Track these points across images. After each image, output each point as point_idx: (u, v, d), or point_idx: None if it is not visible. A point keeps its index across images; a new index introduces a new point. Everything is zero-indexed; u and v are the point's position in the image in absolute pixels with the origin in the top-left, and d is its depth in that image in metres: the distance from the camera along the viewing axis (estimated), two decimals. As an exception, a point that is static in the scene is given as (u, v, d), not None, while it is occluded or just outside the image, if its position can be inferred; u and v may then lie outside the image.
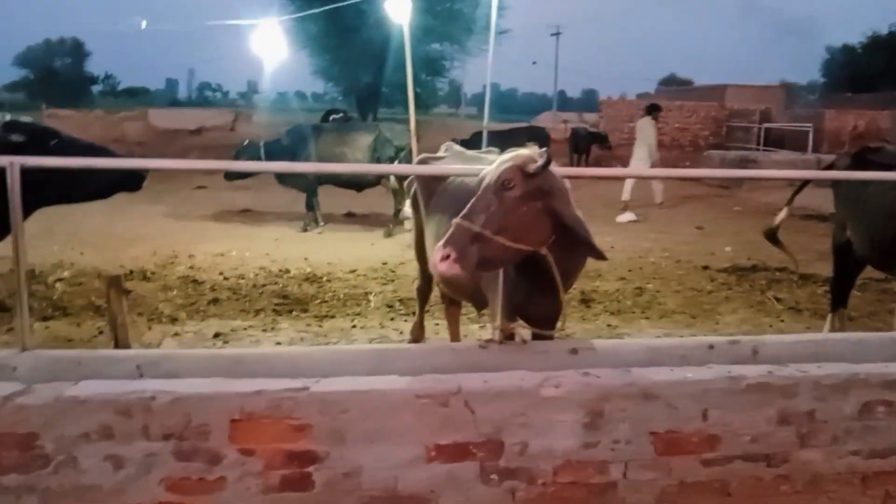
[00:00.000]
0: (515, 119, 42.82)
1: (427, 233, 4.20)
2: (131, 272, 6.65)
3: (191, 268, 7.11)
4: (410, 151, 8.40)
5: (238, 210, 11.25)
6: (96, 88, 76.47)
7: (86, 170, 3.42)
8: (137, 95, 72.00)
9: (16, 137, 3.56)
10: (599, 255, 2.78)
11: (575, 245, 2.78)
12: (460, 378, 2.49)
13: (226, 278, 6.59)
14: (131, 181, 3.95)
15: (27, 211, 3.64)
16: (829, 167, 5.96)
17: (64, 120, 19.41)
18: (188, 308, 5.74)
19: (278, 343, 5.04)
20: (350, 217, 11.00)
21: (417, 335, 5.02)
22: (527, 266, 2.87)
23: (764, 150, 19.42)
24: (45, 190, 3.32)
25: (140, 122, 19.93)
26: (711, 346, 3.31)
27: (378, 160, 8.71)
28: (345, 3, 11.90)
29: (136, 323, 5.46)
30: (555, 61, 58.29)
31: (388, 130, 8.99)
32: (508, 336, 3.22)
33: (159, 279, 6.52)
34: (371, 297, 6.14)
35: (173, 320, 5.52)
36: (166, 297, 5.97)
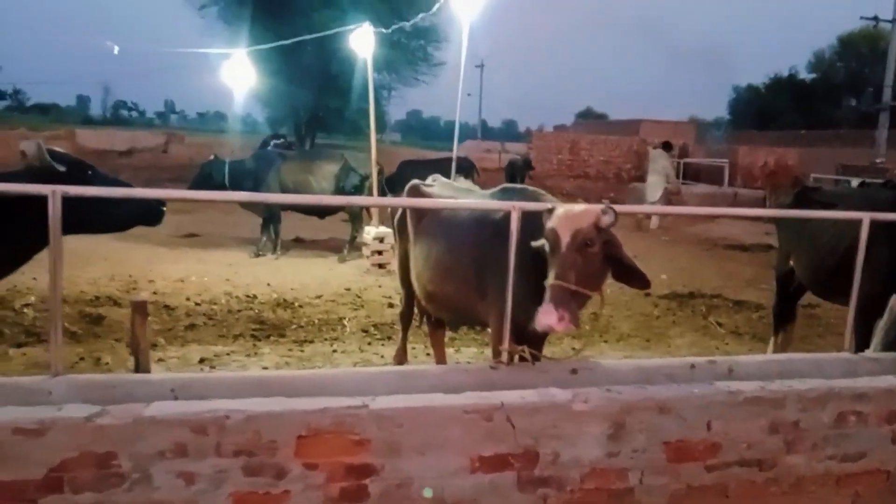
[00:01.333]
0: (440, 147, 43.44)
1: (415, 257, 4.43)
2: (97, 298, 6.59)
3: (155, 293, 7.08)
4: (369, 179, 8.65)
5: (184, 234, 11.13)
6: (2, 104, 73.04)
7: (113, 201, 3.52)
8: (48, 112, 68.97)
9: (58, 167, 3.63)
10: (647, 285, 3.24)
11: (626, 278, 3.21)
12: (502, 394, 2.75)
13: (197, 304, 6.61)
14: (153, 216, 4.02)
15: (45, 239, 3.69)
16: (780, 206, 6.52)
17: (-16, 137, 18.65)
18: (166, 334, 5.77)
19: (265, 368, 5.15)
20: (298, 242, 11.09)
21: (401, 359, 5.24)
22: (531, 294, 3.20)
23: (683, 182, 20.57)
24: (73, 219, 3.41)
25: (67, 142, 19.28)
26: (693, 366, 3.71)
27: (343, 189, 8.89)
28: (290, 40, 12.02)
29: (114, 348, 5.48)
30: (479, 92, 59.44)
31: (353, 159, 9.18)
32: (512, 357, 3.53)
33: (126, 305, 6.47)
34: (346, 323, 6.30)
35: (153, 346, 5.53)
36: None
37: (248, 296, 7.13)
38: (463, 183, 5.15)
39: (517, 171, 18.33)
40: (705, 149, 24.60)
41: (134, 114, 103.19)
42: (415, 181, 4.53)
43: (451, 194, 4.30)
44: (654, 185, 14.96)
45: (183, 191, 5.61)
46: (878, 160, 22.08)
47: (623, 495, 2.88)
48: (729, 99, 53.31)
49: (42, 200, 2.90)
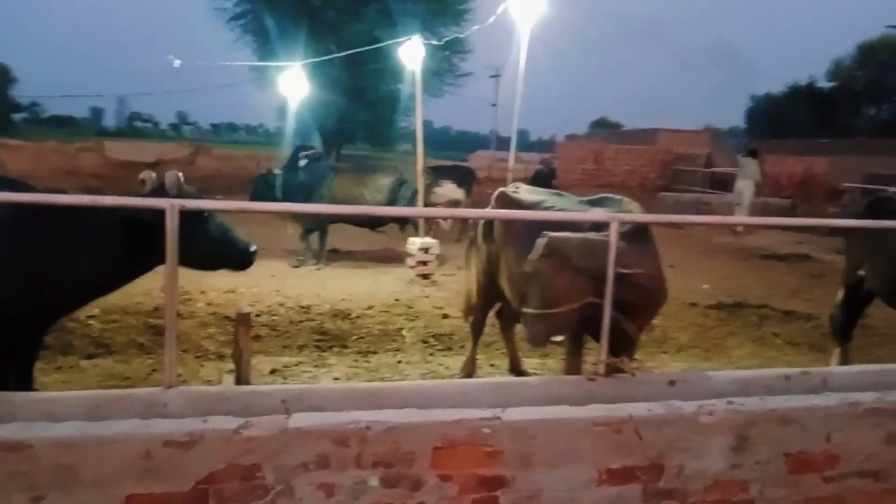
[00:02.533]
0: (452, 156, 43.40)
1: (507, 262, 4.40)
2: (156, 309, 6.64)
3: (209, 304, 7.13)
4: (416, 191, 8.71)
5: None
6: (19, 116, 73.73)
7: (211, 240, 3.54)
8: (65, 125, 69.69)
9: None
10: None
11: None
12: (629, 407, 2.76)
13: (257, 315, 6.65)
14: (244, 261, 3.92)
15: (149, 266, 3.70)
16: (850, 215, 6.48)
17: (16, 150, 18.83)
18: (232, 346, 5.80)
19: (336, 378, 5.18)
20: (334, 252, 11.13)
21: (470, 370, 5.25)
22: None
23: (709, 192, 20.52)
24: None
25: (95, 154, 19.49)
26: (787, 377, 3.70)
27: (395, 202, 8.94)
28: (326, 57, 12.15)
29: (183, 359, 5.51)
30: (494, 102, 59.45)
31: (405, 172, 9.23)
32: (614, 369, 3.53)
33: (189, 316, 6.53)
34: (405, 334, 6.33)
35: (220, 357, 5.59)
36: (207, 333, 6.01)
37: (302, 307, 7.16)
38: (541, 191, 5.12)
39: (544, 181, 18.30)
40: (731, 158, 24.52)
41: (149, 125, 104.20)
42: (501, 188, 4.56)
43: (538, 199, 4.33)
44: (742, 190, 16.08)
45: (301, 204, 5.67)
46: (903, 168, 21.95)
47: (744, 507, 2.88)
48: (746, 107, 53.12)
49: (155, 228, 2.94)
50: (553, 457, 2.65)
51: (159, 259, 3.04)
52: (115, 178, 18.18)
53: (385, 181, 9.11)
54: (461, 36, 8.32)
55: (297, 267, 9.73)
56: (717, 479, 2.82)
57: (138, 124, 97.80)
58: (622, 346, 3.66)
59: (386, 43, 10.06)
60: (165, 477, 2.35)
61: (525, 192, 4.52)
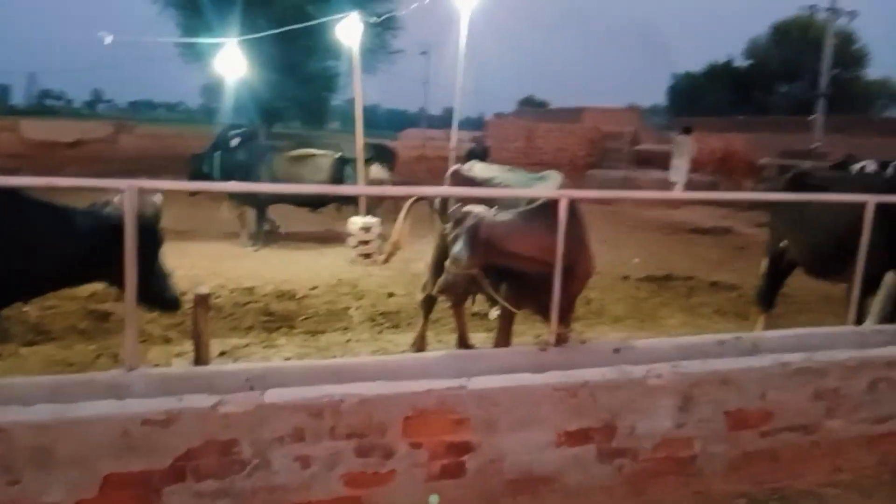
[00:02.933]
0: (381, 134, 43.12)
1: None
2: (93, 294, 6.49)
3: (149, 287, 7.00)
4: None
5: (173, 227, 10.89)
6: None
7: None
8: (-34, 102, 65.69)
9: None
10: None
11: None
12: (584, 373, 2.94)
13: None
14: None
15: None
16: (773, 190, 6.86)
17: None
18: (176, 328, 5.75)
19: (287, 358, 5.21)
20: (270, 234, 11.01)
21: (420, 346, 5.37)
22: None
23: (637, 169, 21.14)
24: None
25: (10, 133, 18.50)
26: (722, 343, 3.98)
27: (340, 181, 8.90)
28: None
29: (129, 344, 5.44)
30: (425, 80, 59.27)
31: (347, 150, 9.18)
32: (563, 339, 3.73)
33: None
34: (353, 313, 6.39)
35: (167, 340, 5.54)
36: (150, 318, 5.92)
37: (245, 288, 7.12)
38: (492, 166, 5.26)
39: (477, 159, 18.50)
40: (655, 136, 25.29)
41: (62, 103, 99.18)
42: (456, 166, 4.68)
43: (493, 176, 4.47)
44: (679, 167, 17.00)
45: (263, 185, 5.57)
46: (813, 145, 23.17)
47: (688, 463, 3.12)
48: (667, 86, 54.56)
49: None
50: (515, 422, 2.80)
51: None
52: (33, 158, 17.38)
53: (326, 160, 9.07)
54: (398, 14, 8.32)
55: (253, 248, 9.55)
56: (664, 438, 3.04)
57: (50, 102, 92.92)
58: (563, 314, 3.89)
59: (323, 20, 9.94)
60: (143, 455, 2.39)
61: (479, 170, 4.65)
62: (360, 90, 8.69)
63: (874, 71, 44.82)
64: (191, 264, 8.28)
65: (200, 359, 3.61)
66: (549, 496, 2.88)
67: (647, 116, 57.35)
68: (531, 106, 58.97)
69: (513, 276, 3.96)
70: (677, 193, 13.17)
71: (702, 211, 15.86)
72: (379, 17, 10.63)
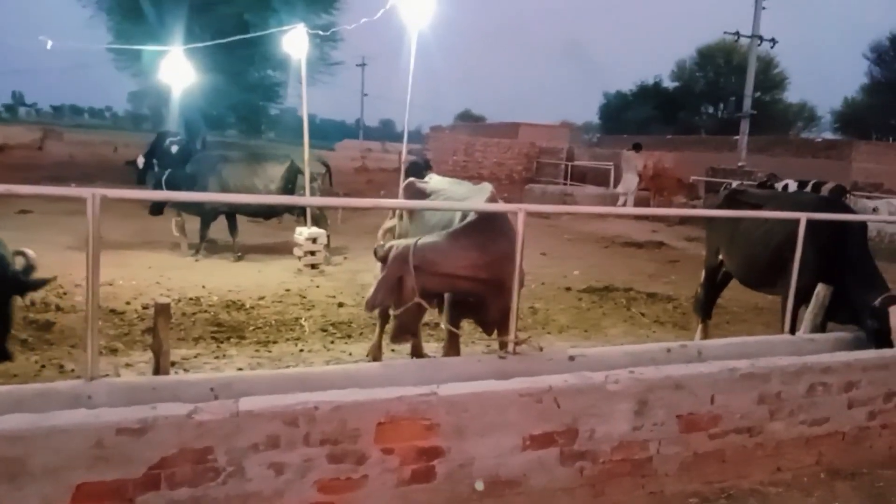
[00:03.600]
0: (318, 145, 42.78)
1: None
2: (33, 303, 6.28)
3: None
4: (317, 180, 8.68)
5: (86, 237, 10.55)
6: None
7: None
8: None
9: None
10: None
11: None
12: (548, 379, 3.05)
13: (145, 307, 6.44)
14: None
15: None
16: (710, 206, 7.14)
17: None
18: (123, 339, 5.63)
19: (240, 369, 5.16)
20: (210, 243, 10.82)
21: (376, 354, 5.42)
22: None
23: (571, 184, 21.68)
24: None
25: (-72, 138, 17.61)
26: (669, 350, 4.19)
27: (291, 191, 8.84)
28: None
29: (72, 355, 5.29)
30: (361, 91, 59.18)
31: (299, 159, 9.10)
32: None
33: (70, 311, 6.23)
34: (304, 323, 6.37)
35: (113, 351, 5.41)
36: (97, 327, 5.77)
37: (191, 298, 7.01)
38: (437, 180, 5.40)
39: (419, 172, 18.65)
40: (589, 152, 25.97)
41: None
42: (411, 178, 4.78)
43: (440, 188, 4.63)
44: (629, 180, 18.09)
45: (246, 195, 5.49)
46: (739, 164, 24.20)
47: (644, 464, 3.26)
48: (599, 104, 56.10)
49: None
50: (483, 427, 2.89)
51: None
52: (-48, 163, 16.60)
53: (278, 170, 8.99)
54: (346, 27, 8.31)
55: (195, 258, 9.33)
56: (621, 440, 3.17)
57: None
58: (502, 326, 4.06)
59: (270, 31, 9.88)
60: (117, 464, 2.37)
61: (434, 182, 4.77)
62: (305, 101, 8.69)
63: (792, 95, 47.24)
64: (132, 275, 8.11)
65: (161, 368, 3.56)
66: (514, 499, 2.97)
67: (579, 133, 58.91)
68: (468, 120, 59.71)
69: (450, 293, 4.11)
70: (627, 209, 13.67)
71: (635, 225, 16.37)
72: (325, 30, 10.60)
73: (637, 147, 18.44)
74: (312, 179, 8.88)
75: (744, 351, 4.26)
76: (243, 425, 2.51)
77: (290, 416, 2.57)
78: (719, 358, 3.91)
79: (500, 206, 4.04)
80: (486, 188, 4.37)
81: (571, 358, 3.87)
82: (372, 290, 3.77)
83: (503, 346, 4.24)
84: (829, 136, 43.90)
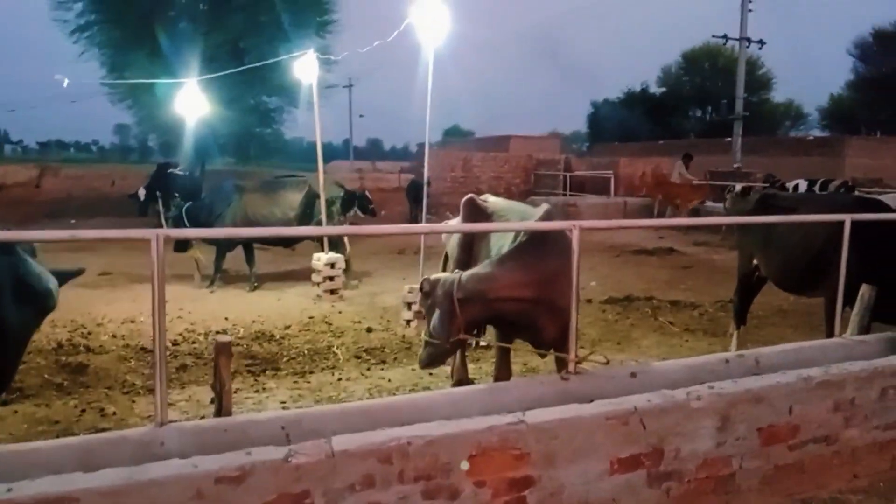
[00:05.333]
0: (308, 167, 42.63)
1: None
2: (60, 346, 6.19)
3: (114, 336, 6.72)
4: (335, 204, 8.63)
5: (99, 273, 10.44)
6: None
7: None
8: None
9: None
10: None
11: None
12: (631, 399, 2.99)
13: (175, 344, 6.35)
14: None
15: None
16: (742, 212, 7.11)
17: None
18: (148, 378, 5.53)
19: (283, 403, 5.08)
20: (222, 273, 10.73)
21: (462, 375, 5.32)
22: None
23: (571, 195, 21.69)
24: None
25: (-78, 180, 17.42)
26: (727, 361, 4.13)
27: (310, 216, 8.78)
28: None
29: (110, 397, 5.20)
30: (349, 112, 59.29)
31: (316, 184, 9.04)
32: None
33: (100, 351, 6.13)
34: (336, 351, 6.29)
35: (150, 390, 5.30)
36: (128, 367, 5.68)
37: (219, 332, 6.91)
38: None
39: (419, 191, 18.61)
40: (586, 162, 26.03)
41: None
42: (470, 195, 4.74)
43: (499, 208, 4.61)
44: None
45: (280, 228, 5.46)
46: (735, 165, 24.32)
47: (727, 480, 3.20)
48: (587, 113, 56.35)
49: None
50: (572, 453, 2.82)
51: None
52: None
53: (296, 197, 8.94)
54: (360, 51, 8.26)
55: (211, 290, 9.22)
56: (706, 458, 3.11)
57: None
58: (557, 344, 4.01)
59: (282, 58, 9.86)
60: (216, 515, 2.29)
61: (492, 202, 4.75)
62: (319, 126, 8.65)
63: (778, 94, 47.61)
64: (149, 310, 7.99)
65: (223, 409, 3.47)
66: (605, 524, 2.90)
67: (569, 142, 59.17)
68: (458, 135, 59.88)
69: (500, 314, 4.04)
70: (678, 220, 13.35)
71: (640, 232, 16.35)
72: (331, 55, 10.60)
73: (686, 157, 18.18)
74: (331, 203, 8.83)
75: (799, 357, 4.22)
76: (339, 466, 2.44)
77: (384, 454, 2.50)
78: (777, 366, 3.87)
79: (553, 224, 4.00)
80: (544, 208, 4.32)
81: (633, 374, 3.81)
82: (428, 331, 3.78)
83: (559, 363, 4.21)
84: (817, 133, 44.28)
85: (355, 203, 10.05)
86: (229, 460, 2.34)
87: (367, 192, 10.71)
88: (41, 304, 3.53)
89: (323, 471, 2.42)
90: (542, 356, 4.43)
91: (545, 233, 4.00)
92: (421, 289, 3.88)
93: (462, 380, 5.36)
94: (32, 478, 2.29)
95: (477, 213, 4.70)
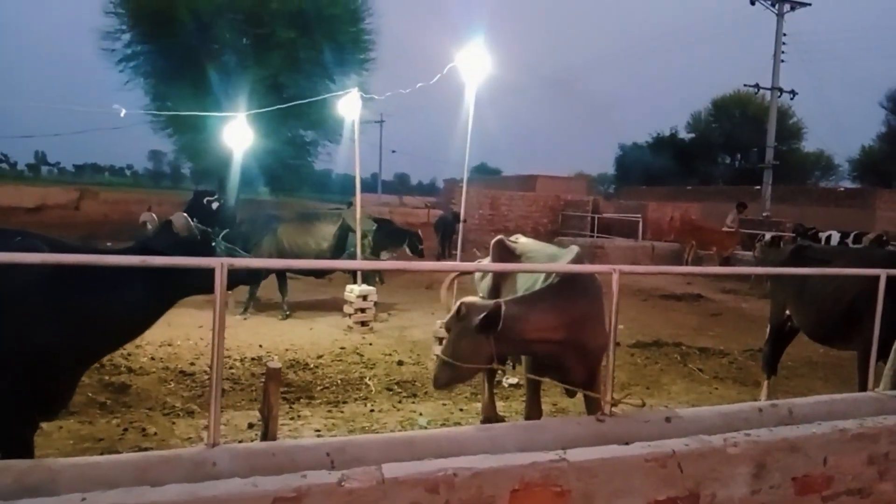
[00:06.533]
0: (336, 199, 43.10)
1: None
2: (103, 366, 6.36)
3: (153, 359, 6.90)
4: (368, 237, 8.83)
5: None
6: None
7: None
8: None
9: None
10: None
11: None
12: (669, 443, 3.06)
13: (211, 368, 6.49)
14: (254, 278, 4.11)
15: (170, 305, 3.75)
16: (775, 263, 7.17)
17: None
18: (197, 401, 5.68)
19: (317, 431, 5.19)
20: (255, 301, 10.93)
21: (490, 413, 5.41)
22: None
23: (599, 236, 21.77)
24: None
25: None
26: (760, 410, 4.16)
27: (343, 248, 8.99)
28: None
29: (151, 417, 5.34)
30: (379, 147, 60.28)
31: (349, 218, 9.28)
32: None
33: (140, 373, 6.31)
34: (369, 382, 6.40)
35: (189, 413, 5.45)
36: (168, 390, 5.84)
37: (254, 359, 7.07)
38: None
39: (448, 226, 18.83)
40: (615, 204, 26.13)
41: (3, 166, 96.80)
42: (500, 237, 4.88)
43: (527, 249, 4.72)
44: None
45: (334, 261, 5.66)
46: (764, 214, 24.26)
47: (761, 528, 3.23)
48: (615, 155, 56.60)
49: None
50: (611, 494, 2.89)
51: None
52: (-6, 223, 17.00)
53: (330, 228, 9.16)
54: (404, 91, 8.52)
55: (244, 317, 9.44)
56: (741, 505, 3.16)
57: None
58: (585, 385, 4.10)
59: (326, 96, 10.20)
60: (277, 535, 2.39)
61: (522, 243, 4.87)
62: (358, 161, 8.88)
63: (809, 144, 47.50)
64: (187, 334, 8.20)
65: (269, 433, 3.60)
66: (641, 566, 2.95)
67: (595, 184, 59.31)
68: (485, 173, 60.36)
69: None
70: (715, 269, 13.29)
71: (668, 277, 16.36)
72: (372, 93, 10.92)
73: (741, 206, 17.99)
74: (364, 236, 9.03)
75: (832, 409, 4.24)
76: (389, 493, 2.54)
77: (431, 484, 2.59)
78: (809, 417, 3.91)
79: (593, 267, 4.11)
80: (573, 250, 4.44)
81: (668, 419, 3.86)
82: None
83: (589, 404, 4.30)
84: (847, 184, 43.98)
85: (406, 240, 10.25)
86: (287, 482, 2.45)
87: (418, 232, 10.91)
88: None
89: (373, 496, 2.52)
90: (571, 395, 4.50)
91: (576, 275, 4.10)
92: (458, 311, 3.83)
93: (490, 416, 5.43)
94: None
95: (506, 254, 4.84)
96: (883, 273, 4.58)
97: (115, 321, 3.46)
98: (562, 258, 4.46)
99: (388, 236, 10.19)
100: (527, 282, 4.43)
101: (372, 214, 9.01)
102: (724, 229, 17.18)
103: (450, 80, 7.63)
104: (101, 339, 3.50)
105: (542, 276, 4.25)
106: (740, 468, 3.13)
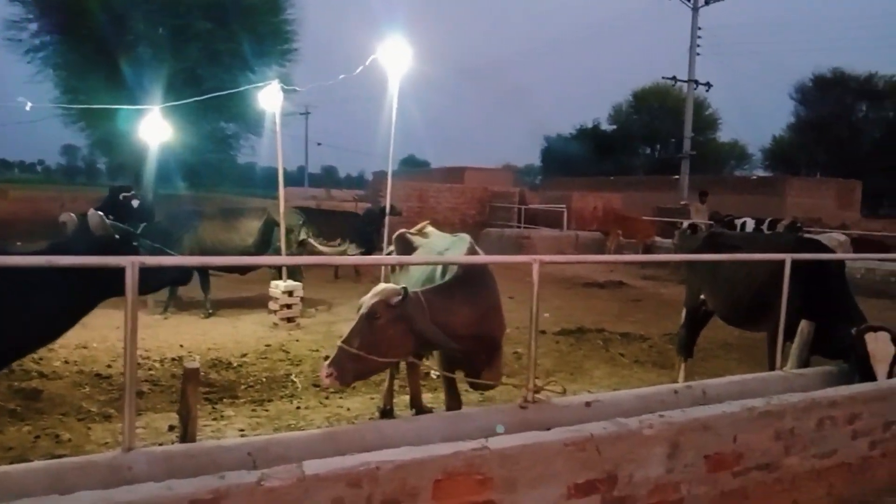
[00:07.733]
0: (260, 193, 42.39)
1: None
2: (13, 371, 6.06)
3: (66, 362, 6.63)
4: (294, 232, 8.67)
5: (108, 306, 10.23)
6: None
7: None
8: None
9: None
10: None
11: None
12: (588, 427, 3.14)
13: (130, 370, 6.28)
14: (186, 277, 4.00)
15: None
16: (689, 249, 7.40)
17: None
18: (114, 404, 5.48)
19: (241, 430, 5.09)
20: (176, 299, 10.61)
21: (388, 401, 5.42)
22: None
23: (526, 227, 22.08)
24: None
25: None
26: (676, 392, 4.34)
27: (269, 244, 8.79)
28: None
29: (65, 423, 5.13)
30: (304, 139, 59.40)
31: (274, 212, 9.08)
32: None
33: (54, 377, 6.04)
34: (295, 379, 6.31)
35: (106, 417, 5.26)
36: (84, 394, 5.62)
37: (174, 359, 6.88)
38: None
39: (375, 218, 18.70)
40: (540, 195, 26.53)
41: None
42: (402, 230, 4.91)
43: (425, 240, 4.79)
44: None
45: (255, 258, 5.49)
46: (682, 203, 25.09)
47: (676, 505, 3.36)
48: (541, 147, 57.47)
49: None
50: (533, 479, 2.95)
51: None
52: None
53: (254, 224, 8.96)
54: (327, 83, 8.36)
55: (165, 316, 9.16)
56: (656, 483, 3.27)
57: None
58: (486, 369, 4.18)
59: (246, 87, 9.94)
60: (190, 539, 2.34)
61: (418, 237, 4.92)
62: (280, 155, 8.72)
63: (724, 134, 49.43)
64: (103, 336, 7.90)
65: (189, 435, 3.50)
66: (562, 548, 3.03)
67: (522, 176, 60.06)
68: (413, 165, 60.29)
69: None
70: (635, 257, 13.57)
71: (591, 266, 16.73)
72: (294, 85, 10.72)
73: (703, 195, 18.27)
74: (290, 231, 8.89)
75: (743, 389, 4.46)
76: (310, 489, 2.51)
77: (353, 478, 2.58)
78: (723, 397, 4.10)
79: (515, 258, 4.17)
80: (465, 239, 4.48)
81: (587, 404, 3.99)
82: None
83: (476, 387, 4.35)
84: (760, 173, 45.99)
85: (385, 216, 10.24)
86: (203, 484, 2.39)
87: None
88: None
89: (294, 494, 2.49)
90: (476, 387, 4.50)
91: (478, 267, 4.13)
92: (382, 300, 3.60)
93: (387, 408, 5.43)
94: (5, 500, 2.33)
95: (407, 247, 4.90)
96: (788, 258, 4.82)
97: (25, 326, 3.31)
98: (453, 249, 4.49)
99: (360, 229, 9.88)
100: (423, 274, 4.43)
101: (303, 207, 8.84)
102: (701, 217, 17.60)
103: (375, 73, 7.59)
104: (9, 344, 3.34)
105: (440, 267, 4.27)
106: (656, 449, 3.24)
